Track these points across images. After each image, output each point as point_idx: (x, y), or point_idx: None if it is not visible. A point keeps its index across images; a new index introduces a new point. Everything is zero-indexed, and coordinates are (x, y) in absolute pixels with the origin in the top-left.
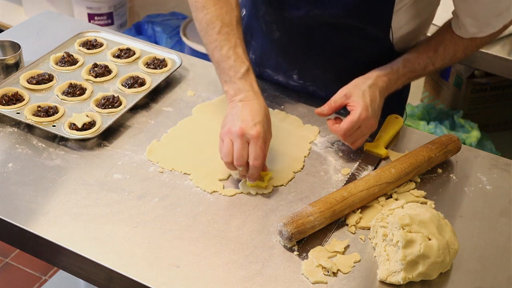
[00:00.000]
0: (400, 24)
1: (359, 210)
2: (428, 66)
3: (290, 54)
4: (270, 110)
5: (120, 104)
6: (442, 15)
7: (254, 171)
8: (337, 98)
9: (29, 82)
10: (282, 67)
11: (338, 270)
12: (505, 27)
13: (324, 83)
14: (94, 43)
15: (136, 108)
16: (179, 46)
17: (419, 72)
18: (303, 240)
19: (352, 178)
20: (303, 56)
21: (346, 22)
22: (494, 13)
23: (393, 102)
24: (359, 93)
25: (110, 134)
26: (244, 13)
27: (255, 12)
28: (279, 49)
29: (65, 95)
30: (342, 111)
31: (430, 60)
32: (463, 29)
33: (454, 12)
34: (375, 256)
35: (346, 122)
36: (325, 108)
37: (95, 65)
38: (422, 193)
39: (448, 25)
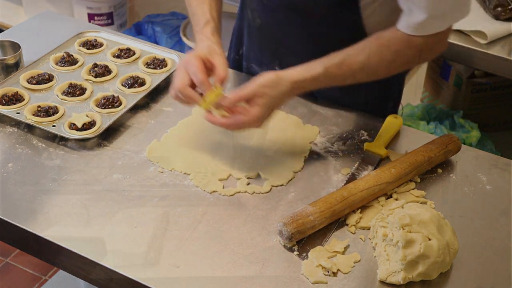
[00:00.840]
0: (373, 15)
1: (359, 210)
2: (347, 79)
3: (271, 43)
4: None
5: (120, 104)
6: None
7: (201, 87)
8: (247, 94)
9: (29, 82)
10: (265, 59)
11: (338, 270)
12: (442, 38)
13: None
14: (94, 43)
15: (136, 108)
16: (179, 46)
17: (338, 82)
18: (303, 240)
19: (352, 178)
20: (283, 45)
21: (318, 8)
22: (430, 11)
23: (383, 104)
24: (266, 101)
25: (110, 134)
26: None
27: (243, 1)
28: (261, 39)
29: (65, 95)
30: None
31: (351, 72)
32: (404, 18)
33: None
34: (375, 256)
35: (236, 119)
36: (231, 100)
37: (95, 65)
38: (422, 193)
39: (376, 37)
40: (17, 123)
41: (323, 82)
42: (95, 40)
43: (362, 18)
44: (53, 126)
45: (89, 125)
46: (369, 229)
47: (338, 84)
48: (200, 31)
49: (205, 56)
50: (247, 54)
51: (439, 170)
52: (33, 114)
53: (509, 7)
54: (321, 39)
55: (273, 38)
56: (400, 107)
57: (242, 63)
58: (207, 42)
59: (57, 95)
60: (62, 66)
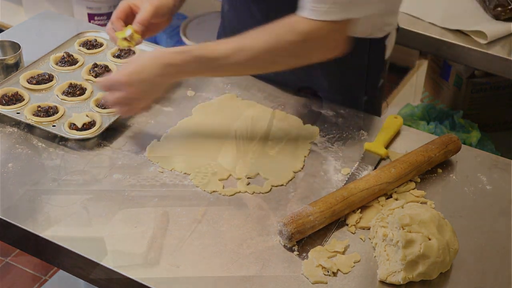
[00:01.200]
0: None
1: (359, 210)
2: (229, 59)
3: (235, 31)
4: (270, 110)
5: None
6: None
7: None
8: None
9: (29, 82)
10: None
11: (338, 270)
12: (333, 32)
13: None
14: (94, 43)
15: None
16: (179, 46)
17: (221, 64)
18: (303, 240)
19: (352, 178)
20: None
21: None
22: None
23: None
24: (133, 63)
25: (110, 134)
26: None
27: None
28: (229, 27)
29: (65, 95)
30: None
31: (231, 52)
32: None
33: None
34: (375, 256)
35: (108, 76)
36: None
37: (95, 65)
38: (422, 193)
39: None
40: (17, 123)
41: (201, 59)
42: (95, 40)
43: None
44: (53, 126)
45: (89, 125)
46: (369, 229)
47: (229, 68)
48: None
49: (134, 3)
50: None
51: (439, 170)
52: (33, 114)
53: (509, 7)
54: None
55: (236, 26)
56: (385, 107)
57: None
58: None
59: (57, 95)
60: (62, 66)
